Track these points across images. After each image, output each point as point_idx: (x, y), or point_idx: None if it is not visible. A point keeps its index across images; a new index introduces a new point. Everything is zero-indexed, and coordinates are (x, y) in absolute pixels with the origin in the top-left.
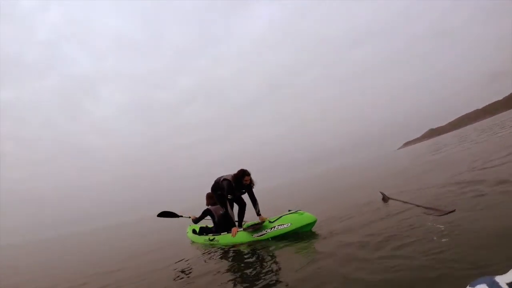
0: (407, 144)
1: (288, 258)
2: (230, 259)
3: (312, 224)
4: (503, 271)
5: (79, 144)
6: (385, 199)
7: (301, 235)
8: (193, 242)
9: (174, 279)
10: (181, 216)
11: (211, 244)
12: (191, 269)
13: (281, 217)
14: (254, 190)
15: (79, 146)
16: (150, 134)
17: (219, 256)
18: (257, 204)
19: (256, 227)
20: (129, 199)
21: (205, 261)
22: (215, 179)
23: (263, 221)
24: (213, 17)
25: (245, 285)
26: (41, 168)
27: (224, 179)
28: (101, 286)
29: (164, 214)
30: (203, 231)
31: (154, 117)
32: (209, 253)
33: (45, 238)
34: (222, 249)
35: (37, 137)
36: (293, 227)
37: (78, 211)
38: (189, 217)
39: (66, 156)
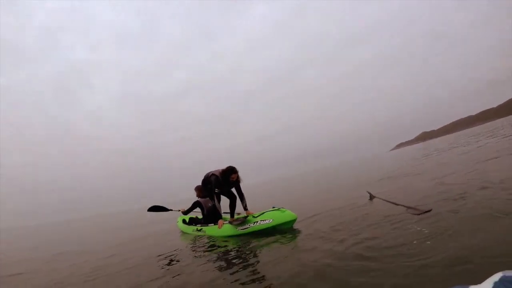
0: (400, 146)
1: (265, 253)
2: (214, 251)
3: (293, 221)
4: (479, 280)
5: (72, 132)
6: (371, 197)
7: (281, 230)
8: (182, 232)
9: (161, 268)
10: (171, 210)
11: (199, 235)
12: (176, 259)
13: (264, 213)
14: (242, 185)
15: (72, 134)
16: (143, 125)
17: (205, 248)
18: (244, 199)
19: (241, 221)
20: (119, 189)
21: (191, 252)
22: (205, 174)
23: (248, 216)
24: (212, 12)
25: (222, 274)
26: (32, 154)
27: (213, 174)
28: (84, 274)
29: (154, 209)
30: (192, 221)
31: (148, 108)
32: (196, 245)
33: (33, 225)
34: (208, 241)
35: (29, 123)
36: (274, 223)
37: (68, 199)
38: (179, 210)
39: (58, 144)
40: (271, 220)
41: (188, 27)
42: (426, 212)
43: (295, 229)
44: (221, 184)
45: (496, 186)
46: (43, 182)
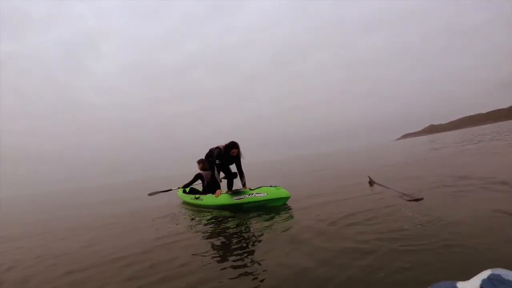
0: (406, 136)
1: (251, 227)
2: (203, 221)
3: (285, 199)
4: (466, 272)
5: (79, 100)
6: (371, 183)
7: (274, 207)
8: (183, 201)
9: (154, 231)
10: (170, 190)
11: (197, 203)
12: (171, 226)
13: (260, 187)
14: (244, 162)
15: (79, 103)
16: (151, 96)
17: (199, 217)
18: (244, 177)
19: (237, 191)
20: (124, 160)
21: (186, 220)
22: (210, 148)
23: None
24: None
25: (204, 241)
26: (40, 122)
27: (217, 147)
28: (82, 240)
29: (154, 193)
30: (192, 191)
31: (157, 79)
32: (192, 214)
33: (35, 192)
34: (204, 212)
35: (37, 90)
36: (268, 197)
37: (74, 168)
38: (178, 188)
39: (65, 112)
40: (266, 194)
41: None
42: (418, 199)
43: (287, 207)
44: (223, 158)
45: (497, 185)
46: (48, 150)
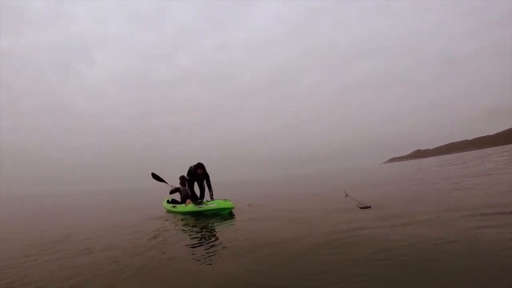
0: (393, 160)
1: (203, 228)
2: (176, 227)
3: (229, 209)
4: None
5: (67, 104)
6: (346, 196)
7: (223, 215)
8: (166, 210)
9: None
10: (166, 183)
11: (173, 210)
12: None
13: (214, 200)
14: (213, 179)
15: (67, 107)
16: (139, 106)
17: (176, 221)
18: (211, 190)
19: (199, 202)
20: (108, 167)
21: (167, 223)
22: (190, 166)
23: (203, 200)
24: (224, 1)
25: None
26: (26, 122)
27: (192, 166)
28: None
29: (156, 177)
30: (173, 201)
31: (147, 89)
32: (172, 221)
33: (13, 193)
34: (179, 218)
35: (26, 90)
36: (217, 207)
37: (56, 172)
38: (171, 186)
39: (52, 114)
40: (216, 205)
41: (199, 13)
42: (367, 207)
43: (232, 215)
44: (191, 174)
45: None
46: (30, 151)
